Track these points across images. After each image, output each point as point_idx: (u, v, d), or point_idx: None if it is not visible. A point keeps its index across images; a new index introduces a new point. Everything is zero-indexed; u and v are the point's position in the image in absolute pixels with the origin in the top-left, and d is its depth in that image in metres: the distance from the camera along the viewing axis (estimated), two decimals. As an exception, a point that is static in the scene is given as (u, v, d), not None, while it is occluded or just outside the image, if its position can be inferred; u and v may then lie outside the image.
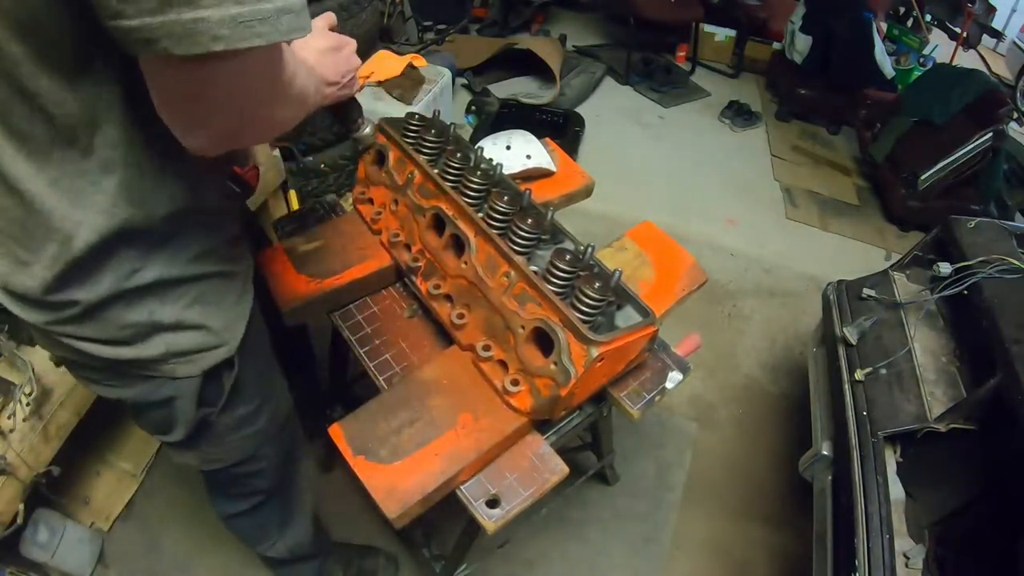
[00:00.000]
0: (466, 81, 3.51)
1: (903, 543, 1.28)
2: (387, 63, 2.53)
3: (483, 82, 3.50)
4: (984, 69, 4.80)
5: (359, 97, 1.05)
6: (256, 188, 1.16)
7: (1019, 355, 1.23)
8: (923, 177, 2.94)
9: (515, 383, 0.96)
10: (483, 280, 1.00)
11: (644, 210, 2.54)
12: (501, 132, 1.45)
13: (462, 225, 1.04)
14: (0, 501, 1.25)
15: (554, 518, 1.72)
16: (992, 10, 4.93)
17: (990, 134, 2.78)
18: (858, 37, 3.49)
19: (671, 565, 1.72)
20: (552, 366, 0.92)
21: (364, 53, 2.50)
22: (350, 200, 1.27)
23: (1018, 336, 1.28)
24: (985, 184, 2.89)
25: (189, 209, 0.70)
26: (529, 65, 3.62)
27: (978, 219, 1.65)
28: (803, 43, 3.65)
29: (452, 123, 1.22)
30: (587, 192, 1.46)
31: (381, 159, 1.19)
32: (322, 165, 2.34)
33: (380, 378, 1.09)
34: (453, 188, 1.07)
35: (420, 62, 2.63)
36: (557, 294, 0.93)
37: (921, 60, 3.96)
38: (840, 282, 1.81)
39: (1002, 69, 5.42)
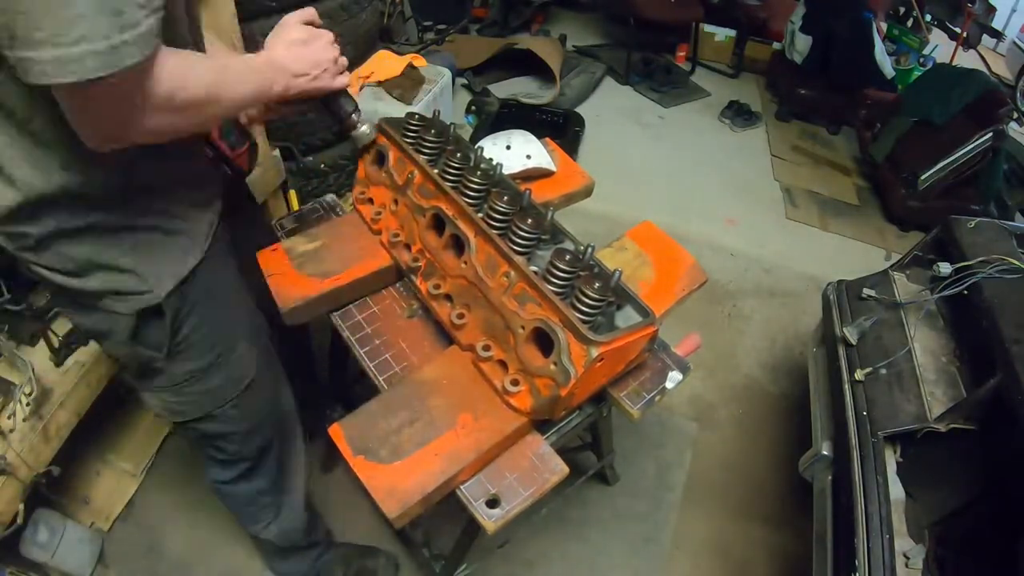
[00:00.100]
0: (466, 81, 3.51)
1: (903, 543, 1.28)
2: (387, 63, 2.53)
3: (483, 82, 3.50)
4: (984, 69, 4.81)
5: (361, 101, 1.05)
6: (249, 170, 1.17)
7: (1019, 355, 1.24)
8: (923, 177, 2.94)
9: (515, 383, 0.96)
10: (483, 280, 1.00)
11: (644, 210, 2.54)
12: (501, 132, 1.45)
13: (462, 225, 1.04)
14: (0, 501, 1.25)
15: (554, 518, 1.72)
16: (992, 10, 4.93)
17: (990, 134, 2.78)
18: (858, 37, 3.49)
19: (671, 565, 1.72)
20: (552, 366, 0.92)
21: (364, 53, 2.52)
22: (350, 200, 1.27)
23: (1018, 336, 1.28)
24: (985, 184, 2.89)
25: (128, 184, 0.81)
26: (529, 65, 3.63)
27: (978, 219, 1.65)
28: (803, 43, 3.65)
29: (452, 123, 1.22)
30: (587, 192, 1.46)
31: (381, 159, 1.19)
32: (322, 165, 2.34)
33: (380, 378, 1.08)
34: (453, 188, 1.07)
35: (420, 62, 2.63)
36: (557, 294, 0.93)
37: (921, 60, 3.97)
38: (840, 282, 1.81)
39: (1002, 69, 5.42)
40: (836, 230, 3.07)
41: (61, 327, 1.39)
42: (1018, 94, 4.82)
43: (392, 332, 1.15)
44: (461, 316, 1.04)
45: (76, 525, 1.52)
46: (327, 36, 0.98)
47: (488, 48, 3.63)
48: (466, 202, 1.05)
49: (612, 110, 3.69)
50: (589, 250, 0.98)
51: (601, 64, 3.92)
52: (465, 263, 1.03)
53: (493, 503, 0.93)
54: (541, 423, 1.04)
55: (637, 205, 2.86)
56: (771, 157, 3.52)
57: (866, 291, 1.70)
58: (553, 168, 1.42)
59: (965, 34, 4.39)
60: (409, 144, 1.15)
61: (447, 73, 2.72)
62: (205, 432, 1.11)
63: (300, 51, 0.94)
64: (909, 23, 4.33)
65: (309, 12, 0.99)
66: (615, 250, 1.29)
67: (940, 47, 4.12)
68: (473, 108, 3.26)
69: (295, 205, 2.00)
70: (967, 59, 4.95)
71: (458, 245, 1.06)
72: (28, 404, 1.28)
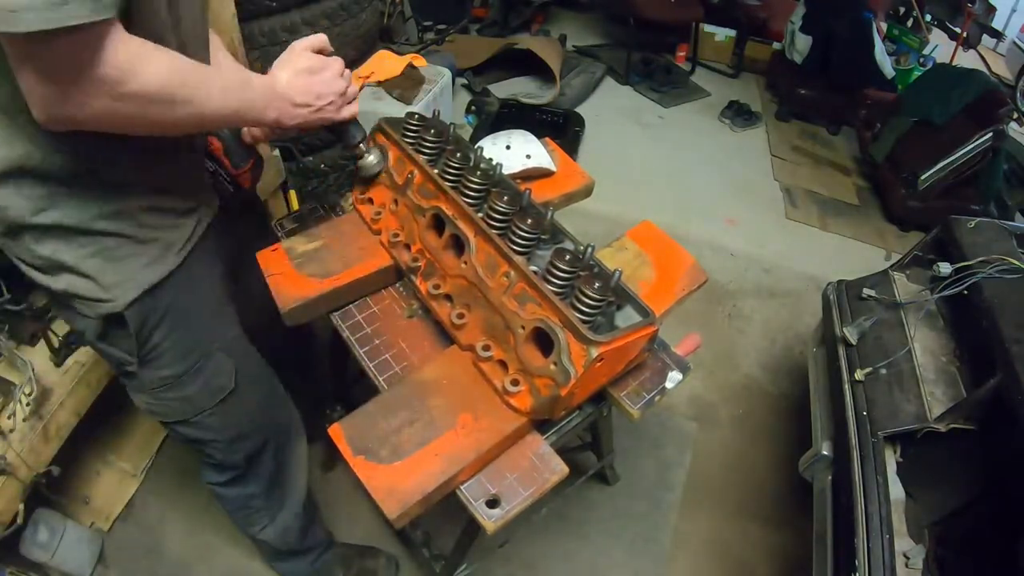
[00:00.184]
0: (466, 81, 3.51)
1: (903, 543, 1.28)
2: (387, 63, 2.53)
3: (483, 82, 3.50)
4: (984, 69, 4.81)
5: (361, 101, 1.05)
6: (253, 187, 1.17)
7: (1019, 355, 1.23)
8: (923, 177, 2.94)
9: (515, 383, 0.96)
10: (483, 280, 1.00)
11: (644, 210, 2.54)
12: (501, 132, 1.45)
13: (462, 225, 1.04)
14: (0, 501, 1.25)
15: (554, 518, 1.72)
16: (992, 10, 4.93)
17: (990, 134, 2.78)
18: (858, 37, 3.49)
19: (671, 565, 1.72)
20: (552, 366, 0.92)
21: (364, 53, 2.52)
22: (350, 200, 1.27)
23: (1018, 336, 1.28)
24: (985, 184, 2.89)
25: (95, 174, 0.79)
26: (529, 65, 3.63)
27: (978, 219, 1.65)
28: (803, 43, 3.65)
29: (452, 123, 1.22)
30: (587, 192, 1.46)
31: (381, 159, 1.19)
32: (322, 165, 2.34)
33: (380, 378, 1.08)
34: (453, 188, 1.07)
35: (420, 62, 2.63)
36: (557, 294, 0.93)
37: (921, 60, 3.97)
38: (840, 282, 1.81)
39: (1002, 69, 5.42)
40: (836, 230, 3.07)
41: (61, 327, 1.39)
42: (1018, 94, 4.82)
43: (392, 332, 1.15)
44: (461, 316, 1.04)
45: (76, 525, 1.52)
46: (336, 66, 0.95)
47: (488, 48, 3.63)
48: (466, 202, 1.05)
49: (612, 110, 3.69)
50: (589, 250, 0.98)
51: (601, 64, 3.92)
52: (465, 263, 1.03)
53: (493, 503, 0.93)
54: (541, 423, 1.04)
55: (637, 205, 2.86)
56: (771, 157, 3.52)
57: (866, 291, 1.70)
58: (553, 168, 1.42)
59: (965, 34, 4.39)
60: (409, 144, 1.15)
61: (447, 73, 2.72)
62: (188, 436, 1.10)
63: (305, 81, 0.91)
64: (909, 23, 4.33)
65: (320, 39, 0.95)
66: (615, 250, 1.29)
67: (940, 47, 4.12)
68: (473, 108, 3.26)
69: (295, 205, 2.00)
70: (967, 59, 4.95)
71: (458, 245, 1.06)
72: (28, 404, 1.28)
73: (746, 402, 2.18)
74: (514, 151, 1.37)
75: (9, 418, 1.27)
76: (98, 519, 1.62)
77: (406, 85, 2.49)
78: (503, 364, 0.99)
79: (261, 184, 1.72)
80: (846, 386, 1.52)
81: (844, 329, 1.61)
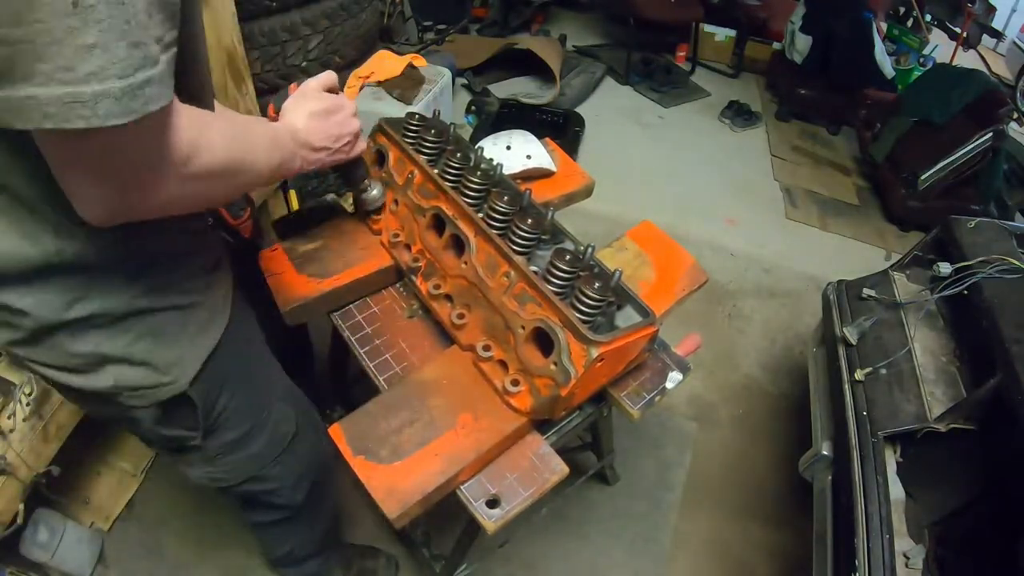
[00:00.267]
0: (466, 81, 3.51)
1: (903, 543, 1.28)
2: (387, 63, 2.53)
3: (483, 82, 3.50)
4: (984, 69, 4.81)
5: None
6: (252, 237, 1.16)
7: (1019, 355, 1.23)
8: (923, 177, 2.94)
9: (515, 383, 0.96)
10: (483, 280, 1.00)
11: (644, 210, 2.54)
12: (501, 132, 1.45)
13: (462, 225, 1.04)
14: (0, 501, 1.25)
15: (554, 518, 1.72)
16: (992, 10, 4.94)
17: (990, 134, 2.78)
18: (858, 37, 3.49)
19: (671, 565, 1.72)
20: (552, 366, 0.92)
21: (364, 53, 2.52)
22: (350, 200, 1.27)
23: (1018, 336, 1.28)
24: (985, 184, 2.89)
25: (128, 255, 0.70)
26: (529, 65, 3.62)
27: (978, 219, 1.65)
28: (803, 43, 3.65)
29: (452, 123, 1.22)
30: (587, 192, 1.46)
31: (381, 159, 1.19)
32: (322, 165, 2.34)
33: (380, 378, 1.08)
34: (453, 188, 1.07)
35: (420, 62, 2.63)
36: (557, 294, 0.93)
37: (921, 60, 3.97)
38: (840, 282, 1.81)
39: (1002, 69, 5.42)
40: (836, 230, 3.07)
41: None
42: (1018, 94, 4.82)
43: (392, 332, 1.15)
44: (461, 316, 1.04)
45: (76, 525, 1.52)
46: (349, 107, 0.91)
47: (488, 48, 3.63)
48: (466, 202, 1.05)
49: (612, 110, 3.69)
50: (589, 250, 0.98)
51: (601, 64, 3.92)
52: (465, 263, 1.03)
53: (493, 503, 0.93)
54: (541, 423, 1.04)
55: (637, 205, 2.86)
56: (771, 157, 3.52)
57: (866, 291, 1.70)
58: (553, 168, 1.42)
59: (965, 34, 4.39)
60: (409, 144, 1.15)
61: (447, 73, 2.72)
62: (250, 491, 1.06)
63: (321, 125, 0.86)
64: (909, 23, 4.33)
65: (331, 78, 0.90)
66: (615, 250, 1.29)
67: (940, 47, 4.12)
68: (473, 108, 3.26)
69: (295, 205, 2.00)
70: (967, 59, 4.95)
71: (458, 245, 1.06)
72: (28, 404, 1.28)
73: (746, 402, 2.18)
74: (514, 151, 1.37)
75: (9, 418, 1.26)
76: (98, 519, 1.62)
77: (406, 85, 2.49)
78: (503, 364, 0.99)
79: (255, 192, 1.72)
80: (846, 386, 1.52)
81: (844, 329, 1.61)
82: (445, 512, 1.15)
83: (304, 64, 2.20)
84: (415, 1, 3.63)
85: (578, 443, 1.64)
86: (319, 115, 0.86)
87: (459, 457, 0.92)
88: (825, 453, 1.53)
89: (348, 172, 1.05)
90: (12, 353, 0.73)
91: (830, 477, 1.50)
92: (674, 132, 3.62)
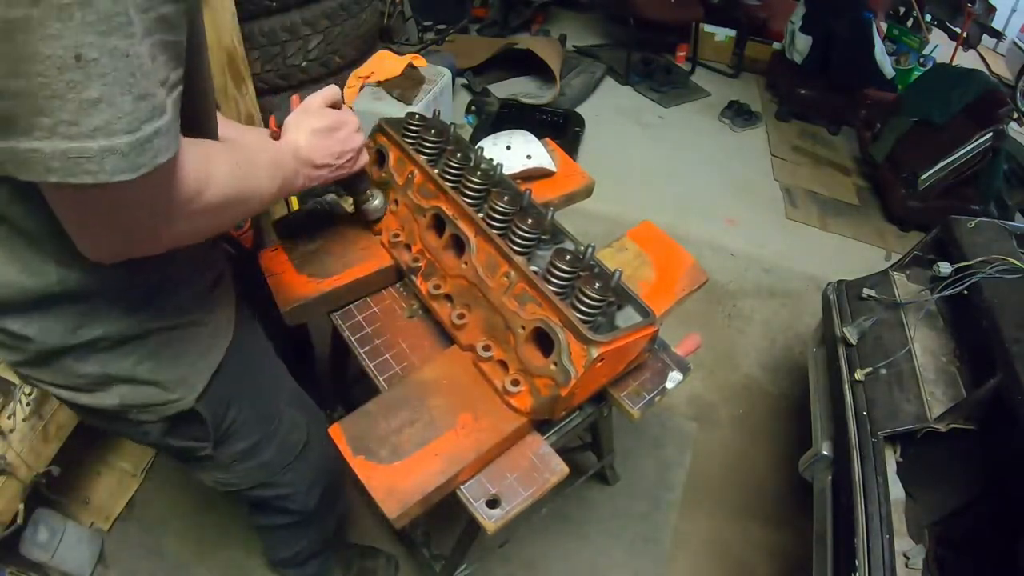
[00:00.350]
0: (466, 81, 3.51)
1: (903, 543, 1.28)
2: (387, 63, 2.53)
3: (483, 82, 3.50)
4: (984, 69, 4.81)
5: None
6: (254, 247, 1.16)
7: (1019, 355, 1.23)
8: (923, 177, 2.94)
9: (515, 383, 0.96)
10: (483, 280, 1.00)
11: (644, 210, 2.54)
12: (501, 132, 1.45)
13: (462, 225, 1.04)
14: (0, 501, 1.25)
15: (554, 518, 1.72)
16: (992, 10, 4.94)
17: (990, 134, 2.78)
18: (858, 37, 3.49)
19: (671, 565, 1.72)
20: (552, 366, 0.92)
21: (364, 53, 2.52)
22: (350, 200, 1.27)
23: (1018, 336, 1.28)
24: (985, 184, 2.90)
25: (130, 283, 0.70)
26: (529, 65, 3.63)
27: (978, 219, 1.65)
28: (803, 43, 3.65)
29: (452, 123, 1.22)
30: (587, 192, 1.46)
31: (381, 159, 1.19)
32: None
33: (380, 378, 1.08)
34: (453, 188, 1.07)
35: (420, 62, 2.63)
36: (557, 294, 0.93)
37: (921, 60, 3.97)
38: (840, 282, 1.81)
39: (1002, 69, 5.42)
40: (836, 230, 3.07)
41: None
42: (1018, 94, 4.82)
43: (392, 332, 1.15)
44: (461, 316, 1.04)
45: (76, 525, 1.52)
46: (352, 123, 0.91)
47: (488, 48, 3.63)
48: (466, 202, 1.05)
49: (612, 110, 3.69)
50: (589, 250, 0.98)
51: (601, 64, 3.92)
52: (465, 263, 1.03)
53: (493, 503, 0.93)
54: (541, 423, 1.04)
55: (637, 205, 2.86)
56: (771, 157, 3.52)
57: (866, 291, 1.70)
58: (553, 168, 1.42)
59: (965, 34, 4.39)
60: (409, 144, 1.15)
61: (447, 73, 2.72)
62: (263, 496, 1.06)
63: (324, 142, 0.86)
64: (909, 23, 4.33)
65: (334, 93, 0.91)
66: (615, 250, 1.29)
67: (940, 47, 4.13)
68: (473, 108, 3.26)
69: (295, 205, 2.00)
70: (967, 59, 4.95)
71: (458, 245, 1.06)
72: (28, 404, 1.28)
73: (746, 402, 2.18)
74: (514, 151, 1.37)
75: (9, 418, 1.26)
76: (98, 519, 1.62)
77: (406, 85, 2.49)
78: (503, 364, 0.99)
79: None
80: (846, 386, 1.52)
81: (844, 329, 1.61)
82: (445, 512, 1.15)
83: (304, 64, 2.20)
84: (415, 1, 3.63)
85: (578, 443, 1.64)
86: (322, 132, 0.86)
87: (459, 457, 0.92)
88: (825, 453, 1.53)
89: (351, 184, 1.06)
90: (18, 372, 0.73)
91: (830, 477, 1.50)
92: (674, 132, 3.62)
